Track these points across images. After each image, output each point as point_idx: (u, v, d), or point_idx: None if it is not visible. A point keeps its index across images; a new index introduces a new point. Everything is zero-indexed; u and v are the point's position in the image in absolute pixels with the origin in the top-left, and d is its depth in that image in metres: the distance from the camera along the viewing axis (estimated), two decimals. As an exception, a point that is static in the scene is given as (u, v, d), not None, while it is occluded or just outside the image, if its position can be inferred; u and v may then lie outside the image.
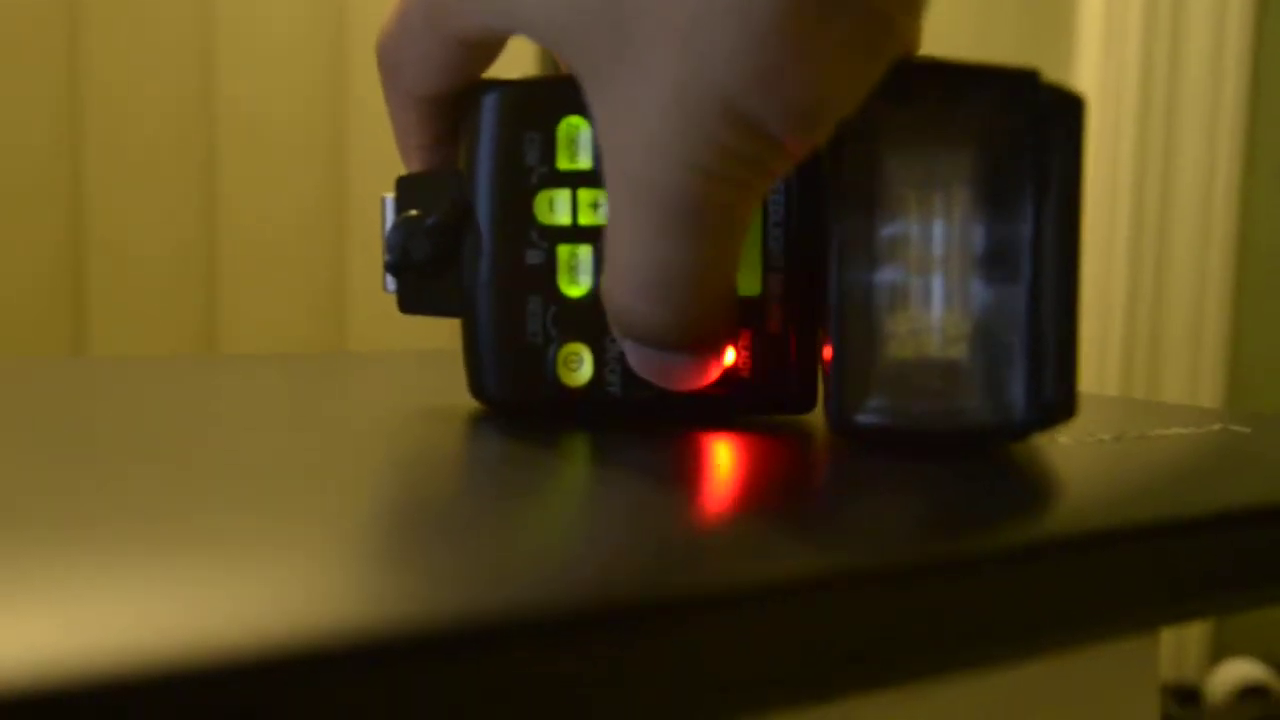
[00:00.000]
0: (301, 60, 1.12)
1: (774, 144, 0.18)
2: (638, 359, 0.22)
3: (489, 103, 0.24)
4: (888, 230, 0.21)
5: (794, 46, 0.17)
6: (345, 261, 1.15)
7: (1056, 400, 0.20)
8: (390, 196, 0.25)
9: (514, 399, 0.24)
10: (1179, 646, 1.46)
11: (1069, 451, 0.22)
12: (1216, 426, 0.25)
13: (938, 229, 0.21)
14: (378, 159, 1.11)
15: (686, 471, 0.20)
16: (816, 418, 0.24)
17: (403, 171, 0.25)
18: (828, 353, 0.22)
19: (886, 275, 0.21)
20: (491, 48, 0.23)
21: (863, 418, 0.21)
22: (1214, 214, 1.45)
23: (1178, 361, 1.47)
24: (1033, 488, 0.20)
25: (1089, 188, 1.45)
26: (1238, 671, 1.38)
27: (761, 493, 0.18)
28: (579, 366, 0.24)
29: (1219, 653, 1.47)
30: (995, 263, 0.20)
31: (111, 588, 0.12)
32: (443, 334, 1.08)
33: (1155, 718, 0.22)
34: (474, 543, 0.14)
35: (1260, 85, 1.47)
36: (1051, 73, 0.20)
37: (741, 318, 0.23)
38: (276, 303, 1.13)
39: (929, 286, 0.21)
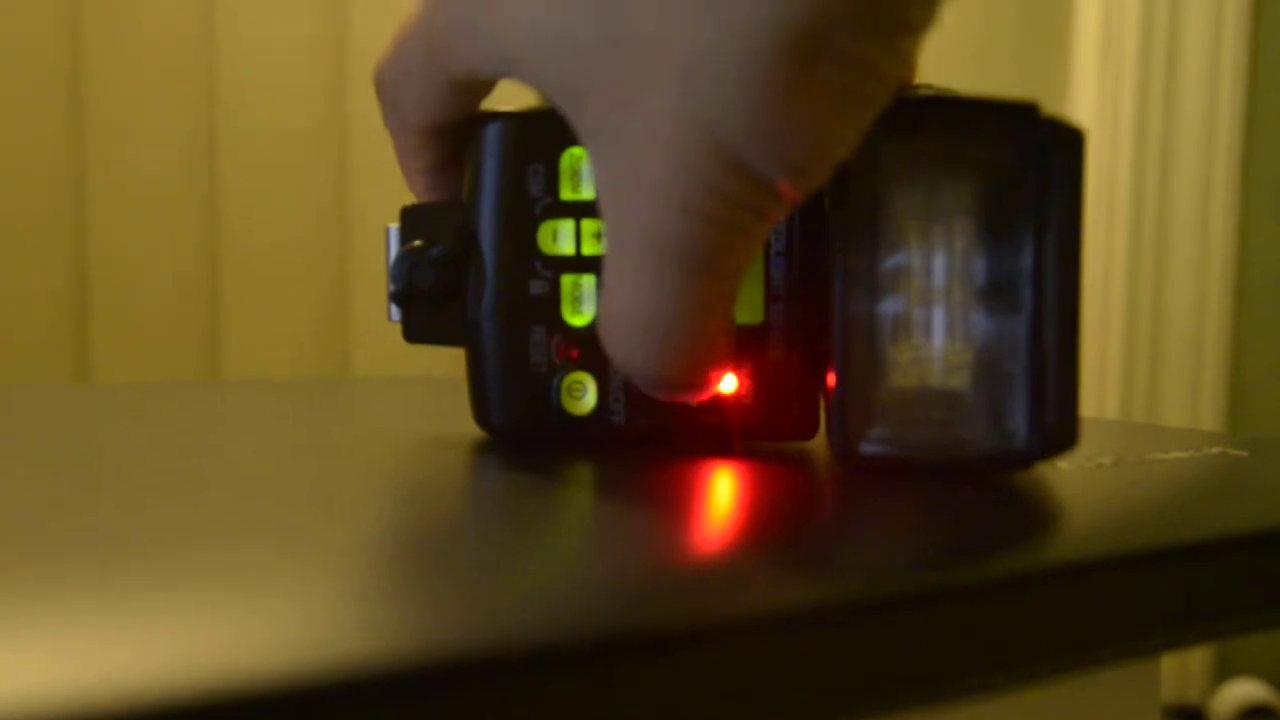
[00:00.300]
0: (303, 88, 1.13)
1: (770, 190, 0.19)
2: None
3: (492, 134, 0.24)
4: (890, 261, 0.21)
5: (785, 96, 0.17)
6: (348, 289, 1.15)
7: (1058, 429, 0.21)
8: (395, 227, 0.26)
9: (518, 427, 0.25)
10: (1183, 667, 1.46)
11: (1069, 477, 0.22)
12: (1215, 450, 0.25)
13: (939, 260, 0.21)
14: (379, 186, 1.11)
15: (689, 501, 0.20)
16: (819, 444, 0.24)
17: (406, 199, 0.26)
18: (831, 381, 0.22)
19: (889, 306, 0.21)
20: (487, 87, 0.23)
21: (866, 447, 0.21)
22: (1212, 235, 1.46)
23: (1177, 384, 1.47)
24: (1033, 514, 0.20)
25: (1086, 211, 1.46)
26: (1241, 692, 1.37)
27: (763, 522, 0.19)
28: (583, 395, 0.24)
29: (1223, 673, 1.46)
30: (997, 293, 0.21)
31: (107, 621, 0.12)
32: (445, 361, 1.08)
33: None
34: (474, 575, 0.14)
35: (1256, 106, 1.48)
36: (1048, 94, 0.20)
37: (744, 345, 0.24)
38: (279, 330, 1.13)
39: (931, 317, 0.21)
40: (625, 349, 0.21)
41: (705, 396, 0.23)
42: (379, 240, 0.97)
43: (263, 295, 1.12)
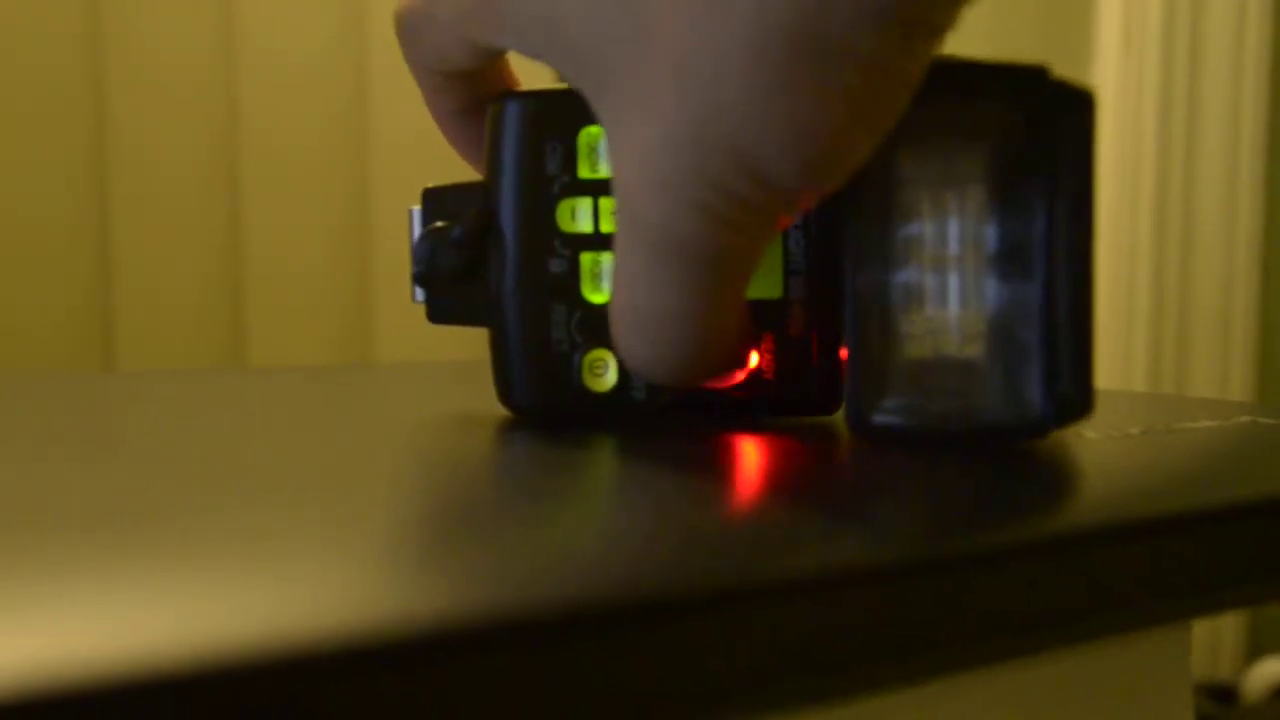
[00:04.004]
0: (324, 83, 1.13)
1: (783, 194, 0.19)
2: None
3: (510, 113, 0.24)
4: (900, 230, 0.21)
5: (798, 98, 0.17)
6: (370, 283, 1.16)
7: (1074, 396, 0.20)
8: (417, 209, 0.26)
9: (541, 405, 0.25)
10: (1214, 646, 1.45)
11: (1096, 445, 0.22)
12: (1244, 419, 0.25)
13: (950, 228, 0.21)
14: (401, 181, 1.11)
15: (716, 472, 0.20)
16: (840, 417, 0.24)
17: (427, 184, 0.26)
18: (845, 353, 0.22)
19: (901, 275, 0.21)
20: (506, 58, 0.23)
21: (880, 418, 0.21)
22: (1239, 208, 1.44)
23: (1206, 357, 1.45)
24: (1060, 480, 0.20)
25: (1111, 184, 1.45)
26: (1273, 670, 1.36)
27: (794, 489, 0.19)
28: (604, 372, 0.24)
29: (1255, 652, 1.45)
30: (1009, 260, 0.21)
31: (148, 586, 0.12)
32: (469, 347, 1.08)
33: (1189, 712, 0.22)
34: (505, 540, 0.14)
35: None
36: (1070, 67, 0.20)
37: (763, 321, 0.24)
38: (304, 323, 1.14)
39: (944, 285, 0.21)
40: (633, 346, 0.21)
41: (726, 384, 0.23)
42: (401, 231, 0.97)
43: (286, 290, 1.13)
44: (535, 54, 0.21)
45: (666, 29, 0.18)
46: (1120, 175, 1.44)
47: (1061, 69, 0.20)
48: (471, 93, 0.24)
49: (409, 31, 0.23)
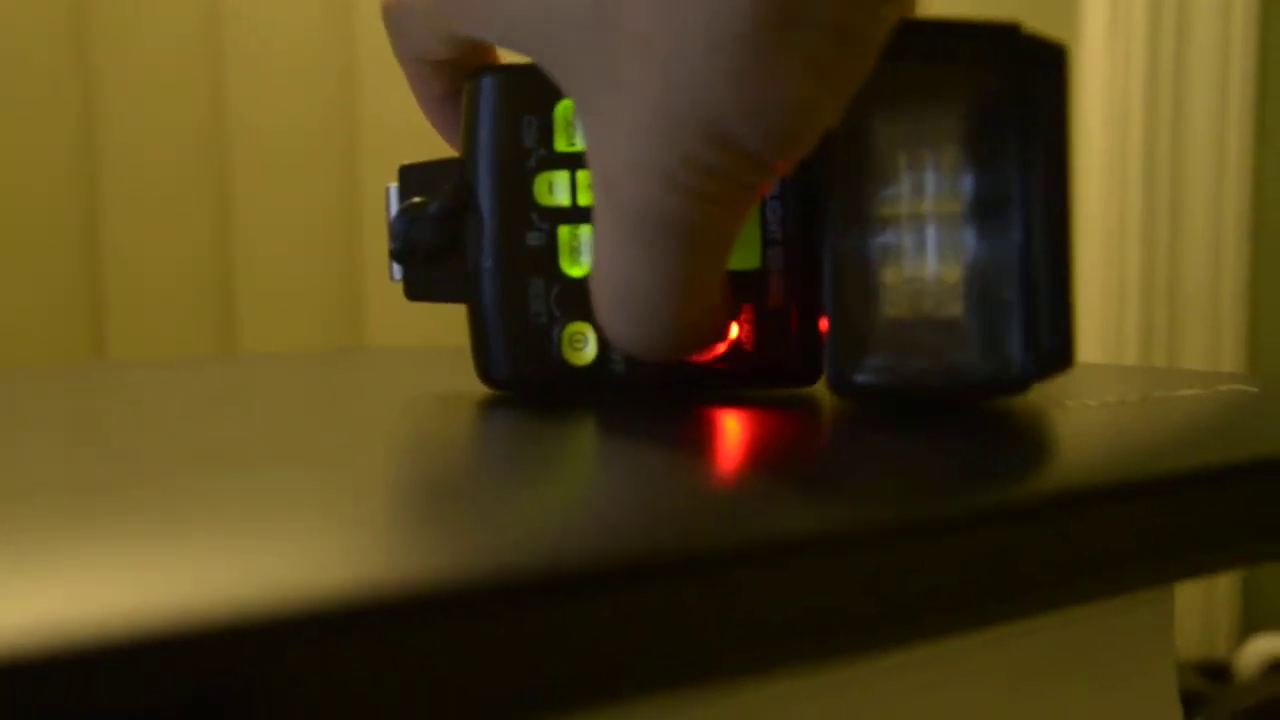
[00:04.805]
0: (311, 72, 1.12)
1: (757, 162, 0.19)
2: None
3: (486, 87, 0.24)
4: (877, 190, 0.21)
5: (765, 65, 0.17)
6: (359, 270, 1.15)
7: (1054, 350, 0.20)
8: (394, 186, 0.26)
9: (521, 380, 0.25)
10: (1208, 623, 1.45)
11: (1078, 413, 0.22)
12: (1227, 387, 0.25)
13: (926, 186, 0.21)
14: (389, 167, 1.10)
15: (696, 442, 0.20)
16: (822, 388, 0.24)
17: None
18: (824, 321, 0.22)
19: (878, 235, 0.21)
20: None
21: (860, 377, 0.21)
22: (1226, 186, 1.44)
23: (1196, 336, 1.46)
24: (1041, 446, 0.20)
25: (1100, 163, 1.44)
26: (1267, 646, 1.37)
27: (773, 457, 0.18)
28: (584, 345, 0.24)
29: (1248, 628, 1.46)
30: (986, 216, 0.20)
31: (156, 549, 0.12)
32: (458, 336, 1.08)
33: (1173, 682, 0.22)
34: (483, 507, 0.14)
35: (1268, 51, 1.46)
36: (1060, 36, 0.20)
37: (742, 291, 0.23)
38: (293, 313, 1.14)
39: (921, 244, 0.21)
40: (614, 321, 0.21)
41: (701, 358, 0.23)
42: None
43: (276, 278, 1.12)
44: (504, 43, 0.21)
45: (628, 9, 0.18)
46: (1109, 154, 1.44)
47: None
48: (454, 80, 0.24)
49: (392, 22, 0.24)
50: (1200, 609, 1.45)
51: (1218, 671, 1.37)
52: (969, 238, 0.21)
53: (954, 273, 0.21)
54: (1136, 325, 1.45)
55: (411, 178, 0.25)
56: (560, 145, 0.24)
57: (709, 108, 0.18)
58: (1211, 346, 1.46)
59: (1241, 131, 1.44)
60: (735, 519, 0.14)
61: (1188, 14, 1.43)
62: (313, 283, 1.14)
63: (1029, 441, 0.20)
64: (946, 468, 0.17)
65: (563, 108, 0.24)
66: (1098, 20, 1.43)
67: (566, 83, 0.20)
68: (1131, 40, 1.43)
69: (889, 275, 0.21)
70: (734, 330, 0.24)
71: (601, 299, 0.21)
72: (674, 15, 0.17)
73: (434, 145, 0.26)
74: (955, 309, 0.21)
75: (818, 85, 0.18)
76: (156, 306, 1.09)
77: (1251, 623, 1.47)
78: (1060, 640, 0.20)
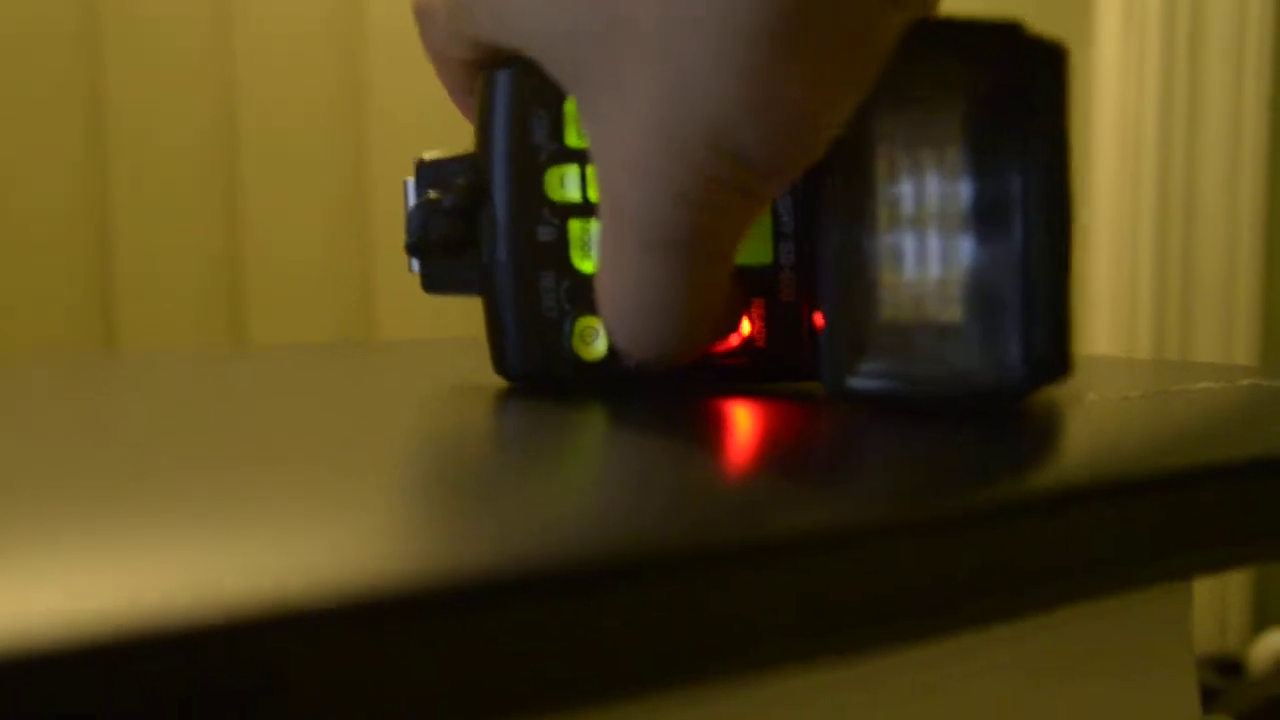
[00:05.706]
0: (322, 65, 1.12)
1: (761, 170, 0.18)
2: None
3: (499, 82, 0.24)
4: (875, 191, 0.21)
5: (776, 70, 0.17)
6: (371, 262, 1.15)
7: (1049, 357, 0.20)
8: (412, 180, 0.26)
9: (534, 373, 0.25)
10: (1220, 618, 1.45)
11: (1094, 407, 0.21)
12: (1245, 382, 0.25)
13: (925, 187, 0.21)
14: (399, 160, 1.11)
15: (707, 436, 0.20)
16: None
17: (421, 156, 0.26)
18: (819, 318, 0.22)
19: (876, 237, 0.21)
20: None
21: (856, 381, 0.21)
22: (1240, 186, 1.43)
23: (1210, 332, 1.45)
24: (1056, 440, 0.19)
25: (1114, 162, 1.44)
26: (1279, 642, 1.36)
27: (784, 451, 0.18)
28: (594, 339, 0.24)
29: (1260, 623, 1.45)
30: (985, 219, 0.20)
31: (160, 545, 0.12)
32: (471, 326, 1.08)
33: (1192, 677, 0.22)
34: (496, 499, 0.14)
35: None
36: (1071, 47, 0.20)
37: (754, 286, 0.23)
38: (305, 304, 1.14)
39: (920, 246, 0.21)
40: (619, 327, 0.21)
41: (713, 352, 0.23)
42: (401, 211, 0.97)
43: (287, 271, 1.13)
44: (517, 49, 0.21)
45: (635, 17, 0.18)
46: (1123, 153, 1.43)
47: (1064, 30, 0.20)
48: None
49: (419, 21, 0.24)
50: (1213, 604, 1.44)
51: (1230, 666, 1.36)
52: (968, 241, 0.20)
53: (952, 276, 0.21)
54: (1149, 321, 1.45)
55: (428, 172, 0.25)
56: (571, 140, 0.24)
57: (717, 116, 0.18)
58: (1224, 341, 1.45)
59: (1256, 124, 1.43)
60: (748, 514, 0.14)
61: (1202, 12, 1.42)
62: (323, 275, 1.15)
63: (1052, 434, 0.20)
64: (959, 462, 0.17)
65: (573, 102, 0.24)
66: (1112, 19, 1.43)
67: (571, 88, 0.20)
68: (1145, 37, 1.42)
69: (887, 277, 0.21)
70: (746, 326, 0.24)
71: (605, 305, 0.21)
72: (683, 17, 0.17)
73: (444, 137, 0.26)
74: (953, 313, 0.21)
75: (827, 90, 0.18)
76: (167, 299, 1.09)
77: (1264, 618, 1.46)
78: (1079, 634, 0.20)
